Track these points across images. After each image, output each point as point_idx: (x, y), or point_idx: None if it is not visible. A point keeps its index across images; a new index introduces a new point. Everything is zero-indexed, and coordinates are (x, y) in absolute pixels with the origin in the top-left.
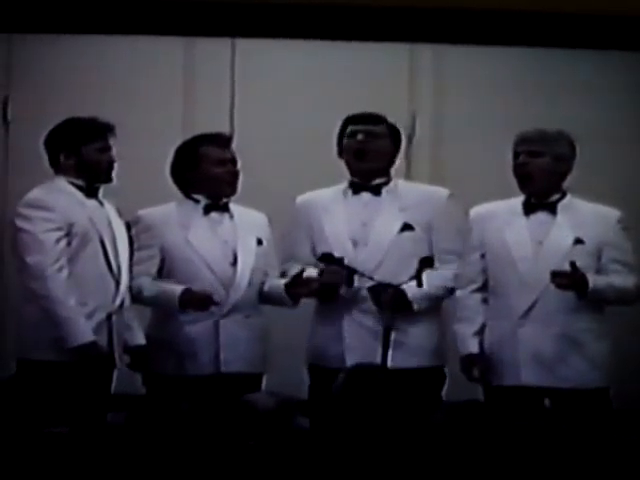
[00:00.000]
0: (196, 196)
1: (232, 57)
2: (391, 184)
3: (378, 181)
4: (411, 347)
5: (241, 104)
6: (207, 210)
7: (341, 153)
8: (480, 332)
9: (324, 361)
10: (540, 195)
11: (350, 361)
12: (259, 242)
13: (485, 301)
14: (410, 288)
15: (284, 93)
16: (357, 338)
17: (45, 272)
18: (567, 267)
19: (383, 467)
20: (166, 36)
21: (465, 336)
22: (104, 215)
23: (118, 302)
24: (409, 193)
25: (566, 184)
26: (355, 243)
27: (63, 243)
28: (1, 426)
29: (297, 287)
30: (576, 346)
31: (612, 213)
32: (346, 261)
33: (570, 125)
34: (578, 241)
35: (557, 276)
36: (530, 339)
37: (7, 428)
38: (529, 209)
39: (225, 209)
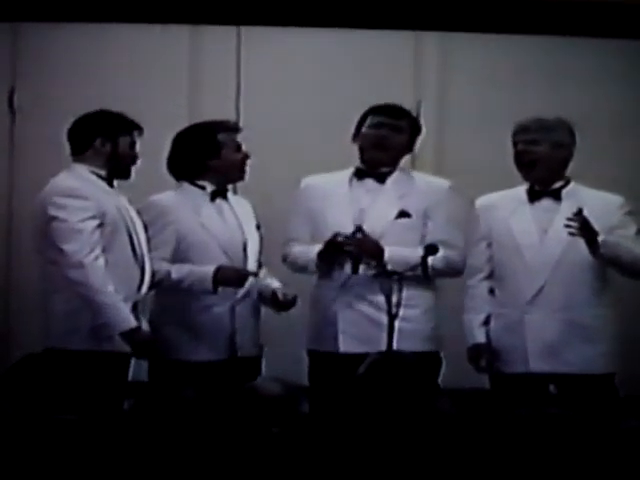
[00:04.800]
0: (201, 183)
1: (238, 45)
2: (395, 173)
3: (384, 169)
4: (406, 331)
5: (247, 92)
6: (213, 196)
7: (355, 138)
8: (487, 322)
9: (320, 345)
10: (543, 182)
11: (344, 345)
12: (258, 227)
13: (492, 291)
14: (390, 250)
15: (289, 81)
16: (350, 322)
17: (84, 260)
18: (572, 255)
19: (395, 452)
20: (172, 24)
21: (472, 326)
22: (124, 204)
23: (144, 291)
24: (410, 182)
25: (569, 171)
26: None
27: (98, 232)
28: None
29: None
30: (582, 332)
31: (615, 199)
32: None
33: (573, 112)
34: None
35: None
36: (536, 326)
37: (25, 415)
38: (534, 196)
39: (225, 196)
